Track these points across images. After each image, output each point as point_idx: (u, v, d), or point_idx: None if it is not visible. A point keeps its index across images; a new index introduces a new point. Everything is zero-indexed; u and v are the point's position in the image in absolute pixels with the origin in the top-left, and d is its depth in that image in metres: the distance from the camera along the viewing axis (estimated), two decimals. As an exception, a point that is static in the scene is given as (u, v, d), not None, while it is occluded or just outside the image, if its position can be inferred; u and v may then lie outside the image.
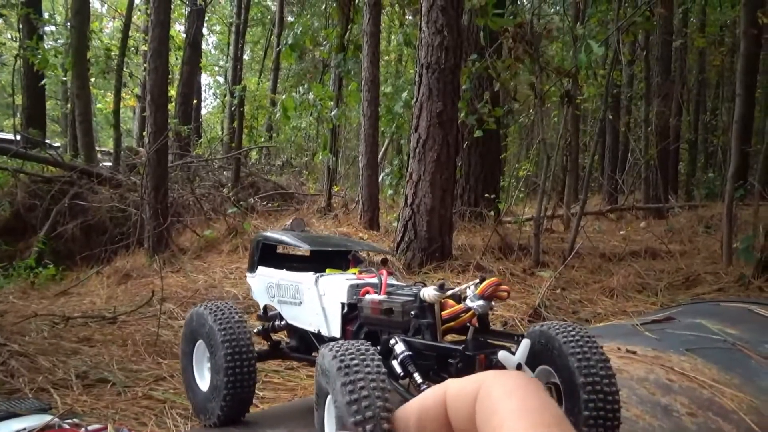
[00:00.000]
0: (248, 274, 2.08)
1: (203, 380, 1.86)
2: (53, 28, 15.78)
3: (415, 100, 5.36)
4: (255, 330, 1.98)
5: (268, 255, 2.05)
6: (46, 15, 14.77)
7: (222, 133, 15.93)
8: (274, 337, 2.03)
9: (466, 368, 1.28)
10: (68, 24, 12.92)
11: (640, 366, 1.37)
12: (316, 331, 1.75)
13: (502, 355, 1.18)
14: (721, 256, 5.50)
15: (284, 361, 2.33)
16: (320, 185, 11.76)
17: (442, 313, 1.37)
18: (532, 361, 1.20)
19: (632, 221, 9.61)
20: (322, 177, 11.80)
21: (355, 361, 1.11)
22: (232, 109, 13.74)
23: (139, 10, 16.12)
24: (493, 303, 1.37)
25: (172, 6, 7.57)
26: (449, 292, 1.39)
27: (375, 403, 1.05)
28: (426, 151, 5.20)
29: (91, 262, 6.32)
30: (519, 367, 1.15)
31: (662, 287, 4.59)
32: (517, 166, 12.66)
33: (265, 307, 2.05)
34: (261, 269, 2.02)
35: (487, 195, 7.82)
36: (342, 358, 1.12)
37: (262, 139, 15.44)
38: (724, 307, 2.08)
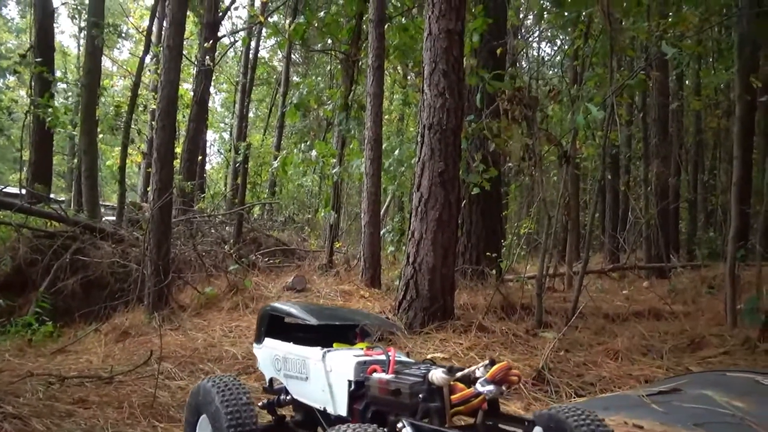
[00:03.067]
0: (255, 345, 2.05)
1: None
2: (65, 85, 16.20)
3: (417, 159, 5.44)
4: (260, 404, 1.93)
5: (276, 325, 2.03)
6: (58, 73, 15.19)
7: (225, 189, 16.08)
8: (279, 411, 1.98)
9: None
10: (79, 83, 13.26)
11: (647, 442, 1.34)
12: (322, 409, 1.69)
13: None
14: (726, 318, 5.45)
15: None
16: (322, 241, 11.78)
17: (452, 397, 1.34)
18: None
19: (635, 280, 9.56)
20: (324, 233, 11.84)
21: None
22: (237, 165, 13.92)
23: (149, 70, 16.58)
24: (503, 388, 1.35)
25: (181, 66, 7.80)
26: (458, 375, 1.36)
27: None
28: (428, 210, 5.23)
29: (89, 318, 6.26)
30: None
31: (667, 350, 4.53)
32: (518, 224, 12.71)
33: (271, 380, 2.01)
34: (268, 341, 1.98)
35: (488, 253, 7.82)
36: None
37: (265, 195, 15.57)
38: (731, 377, 2.05)
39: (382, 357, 1.62)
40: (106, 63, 24.03)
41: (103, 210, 11.98)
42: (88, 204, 10.42)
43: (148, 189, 12.11)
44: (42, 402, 3.04)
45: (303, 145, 9.99)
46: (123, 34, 17.14)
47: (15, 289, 7.00)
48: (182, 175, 11.97)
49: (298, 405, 1.88)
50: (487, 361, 1.39)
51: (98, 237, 7.63)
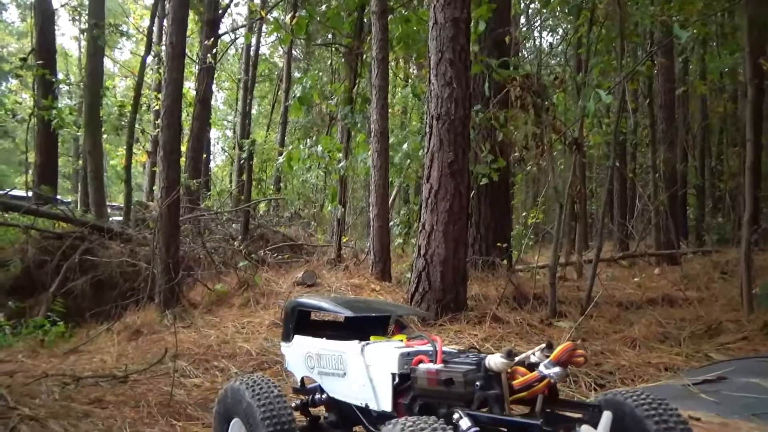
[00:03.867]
0: (283, 344, 1.96)
1: None
2: (67, 87, 16.19)
3: (426, 150, 5.39)
4: (293, 404, 1.85)
5: (302, 322, 1.94)
6: (60, 75, 15.17)
7: (231, 186, 16.06)
8: (313, 411, 1.89)
9: None
10: (82, 84, 13.25)
11: (709, 435, 1.28)
12: (364, 405, 1.60)
13: (584, 430, 1.08)
14: (741, 303, 5.39)
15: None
16: (329, 236, 11.75)
17: (515, 382, 1.26)
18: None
19: (645, 268, 9.50)
20: (331, 228, 11.81)
21: None
22: (241, 162, 13.90)
23: (151, 70, 16.54)
24: (567, 370, 1.27)
25: (184, 65, 7.74)
26: (517, 359, 1.29)
27: None
28: (438, 201, 5.19)
29: (100, 318, 6.24)
30: None
31: (685, 337, 4.48)
32: (525, 214, 12.65)
33: (302, 380, 1.92)
34: (297, 338, 1.89)
35: (498, 244, 7.77)
36: None
37: (271, 192, 15.54)
38: (772, 363, 1.99)
39: (425, 347, 1.54)
40: (108, 64, 24.02)
41: (109, 210, 11.98)
42: (94, 204, 10.41)
43: (154, 188, 12.10)
44: (58, 403, 3.02)
45: (308, 140, 9.94)
46: (124, 34, 17.05)
47: (25, 290, 7.00)
48: (187, 173, 11.95)
49: (331, 404, 1.80)
50: (543, 345, 1.32)
51: (106, 237, 7.61)
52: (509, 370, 1.29)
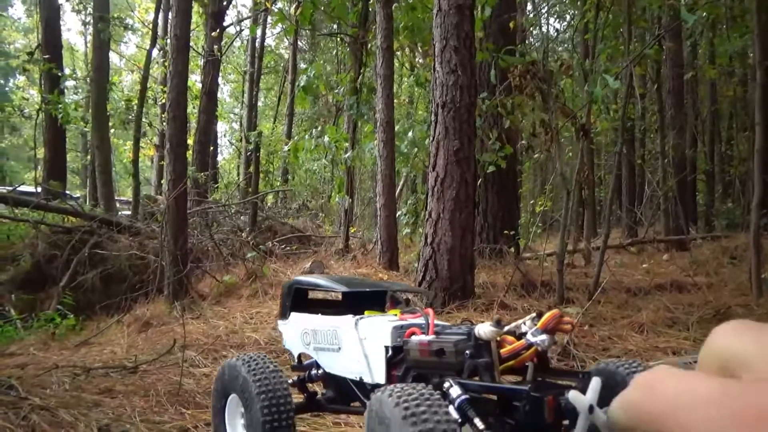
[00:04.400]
0: (280, 322, 1.99)
1: None
2: (74, 82, 16.26)
3: (432, 139, 5.38)
4: (290, 381, 1.88)
5: (299, 301, 1.97)
6: (67, 70, 15.21)
7: (238, 178, 16.10)
8: (310, 387, 1.92)
9: (533, 411, 1.17)
10: (88, 79, 13.30)
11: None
12: (358, 379, 1.63)
13: (572, 395, 1.08)
14: (750, 288, 5.35)
15: (318, 411, 2.24)
16: (336, 227, 11.77)
17: (502, 351, 1.27)
18: (600, 401, 1.10)
19: (654, 254, 9.46)
20: (338, 219, 11.83)
21: (422, 408, 1.02)
22: (248, 154, 13.92)
23: (157, 63, 16.56)
24: (556, 337, 1.27)
25: (189, 57, 7.76)
26: (506, 328, 1.29)
27: None
28: (444, 190, 5.17)
29: (110, 311, 6.31)
30: (591, 409, 1.05)
31: (693, 322, 4.46)
32: (533, 202, 12.61)
33: (299, 357, 1.95)
34: (294, 315, 1.92)
35: (506, 232, 7.76)
36: (407, 405, 1.03)
37: (278, 183, 15.57)
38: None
39: (419, 320, 1.56)
40: (114, 58, 24.09)
41: (118, 205, 12.06)
42: (103, 199, 10.49)
43: (162, 181, 12.16)
44: (68, 393, 3.05)
45: (315, 131, 9.94)
46: (129, 28, 17.08)
47: (35, 285, 7.08)
48: (195, 166, 12.00)
49: (328, 381, 1.83)
50: (534, 314, 1.32)
51: (115, 230, 7.67)
52: (498, 339, 1.29)
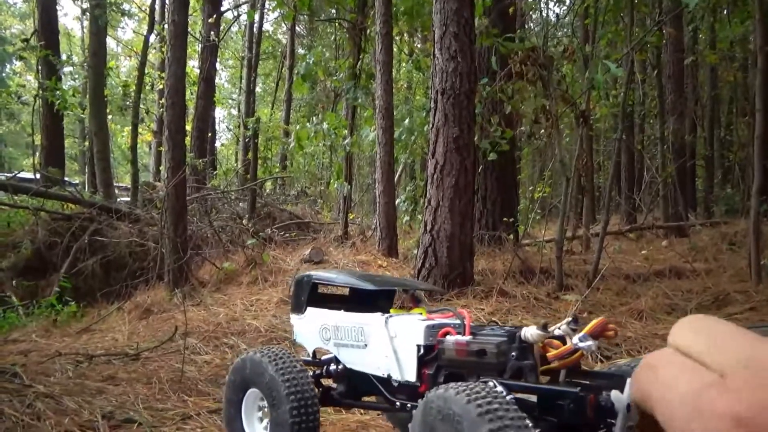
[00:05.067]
0: (293, 316, 1.99)
1: (254, 430, 1.76)
2: (71, 68, 16.16)
3: (431, 126, 5.36)
4: None
5: (311, 294, 1.97)
6: (63, 56, 15.11)
7: (237, 165, 16.07)
8: (325, 383, 1.94)
9: (576, 410, 1.21)
10: (86, 65, 13.21)
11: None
12: (386, 376, 1.65)
13: (614, 395, 1.13)
14: (749, 274, 5.38)
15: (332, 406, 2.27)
16: (335, 214, 11.77)
17: (549, 354, 1.32)
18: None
19: (653, 240, 9.48)
20: (337, 205, 11.82)
21: (494, 406, 1.06)
22: (246, 140, 13.88)
23: (154, 48, 16.46)
24: (599, 343, 1.32)
25: (187, 43, 7.70)
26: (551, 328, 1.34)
27: None
28: (444, 177, 5.17)
29: (111, 298, 6.33)
30: (629, 408, 1.10)
31: (692, 308, 4.49)
32: (532, 189, 12.60)
33: (314, 352, 1.96)
34: (311, 311, 1.92)
35: (505, 219, 7.76)
36: (480, 402, 1.06)
37: (277, 170, 15.54)
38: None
39: (449, 320, 1.60)
40: (111, 44, 23.93)
41: (116, 191, 12.04)
42: (102, 185, 10.47)
43: (161, 168, 12.13)
44: (72, 380, 3.08)
45: (314, 118, 9.90)
46: (126, 13, 16.95)
47: (36, 272, 7.09)
48: (193, 152, 11.96)
49: (342, 376, 1.85)
50: (570, 318, 1.36)
51: (115, 217, 7.67)
52: (542, 343, 1.35)
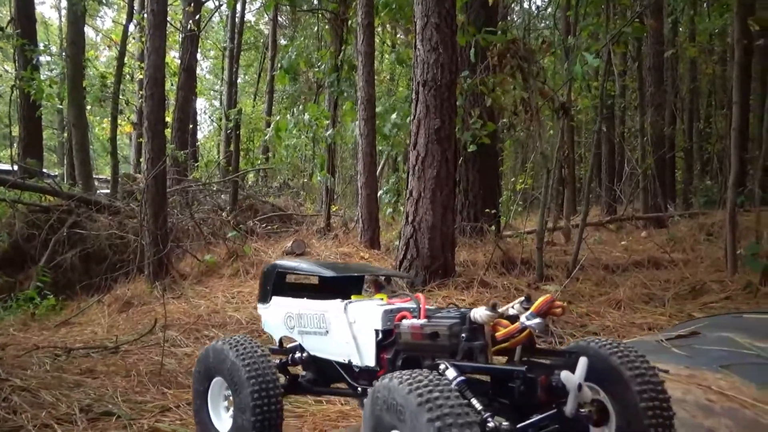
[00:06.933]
0: (260, 305, 2.00)
1: (221, 420, 1.77)
2: (48, 58, 15.87)
3: (412, 117, 5.36)
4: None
5: (278, 284, 1.98)
6: (41, 46, 14.84)
7: (219, 157, 15.94)
8: (292, 370, 1.95)
9: (527, 391, 1.22)
10: (63, 54, 12.99)
11: (675, 386, 1.32)
12: (346, 361, 1.66)
13: (564, 375, 1.14)
14: (726, 264, 5.47)
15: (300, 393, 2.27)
16: (318, 206, 11.74)
17: (497, 334, 1.32)
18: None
19: (632, 231, 9.59)
20: (320, 197, 11.79)
21: (435, 394, 1.06)
22: (228, 132, 13.77)
23: (134, 38, 16.22)
24: (547, 321, 1.33)
25: (166, 33, 7.61)
26: (500, 311, 1.34)
27: None
28: (425, 168, 5.18)
29: (91, 291, 6.26)
30: (580, 387, 1.12)
31: (669, 298, 4.56)
32: (514, 180, 12.67)
33: (281, 340, 1.97)
34: (276, 299, 1.93)
35: (487, 210, 7.80)
36: (420, 391, 1.06)
37: (259, 162, 15.45)
38: (748, 319, 2.04)
39: (407, 304, 1.60)
40: (90, 34, 23.54)
41: (96, 183, 11.88)
42: (81, 177, 10.33)
43: (141, 160, 11.99)
44: (49, 374, 3.05)
45: (295, 109, 9.85)
46: (102, 2, 16.66)
47: (14, 265, 6.99)
48: (174, 144, 11.84)
49: (308, 363, 1.86)
50: (522, 298, 1.37)
51: (94, 210, 7.57)
52: (492, 323, 1.35)
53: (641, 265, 6.15)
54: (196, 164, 13.88)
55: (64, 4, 16.43)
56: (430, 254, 5.15)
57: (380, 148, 9.29)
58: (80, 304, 5.70)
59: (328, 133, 8.57)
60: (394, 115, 7.99)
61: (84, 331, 4.49)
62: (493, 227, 7.58)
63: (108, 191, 9.80)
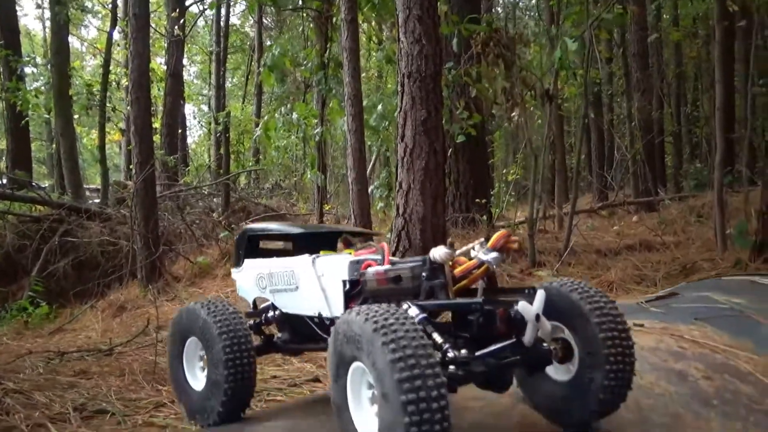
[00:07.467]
0: (234, 270, 2.03)
1: (197, 379, 1.79)
2: (34, 69, 15.79)
3: (399, 109, 5.36)
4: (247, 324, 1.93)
5: (251, 250, 2.01)
6: (25, 57, 14.77)
7: (209, 160, 15.91)
8: (267, 331, 1.98)
9: (486, 324, 1.26)
10: (49, 64, 12.94)
11: (649, 337, 1.35)
12: (316, 314, 1.70)
13: (521, 305, 1.18)
14: (716, 243, 5.51)
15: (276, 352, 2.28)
16: (311, 205, 11.73)
17: (456, 271, 1.36)
18: (547, 315, 1.20)
19: (624, 216, 9.64)
20: (312, 197, 11.78)
21: (390, 321, 1.09)
22: (218, 135, 13.74)
23: (119, 45, 16.17)
24: (504, 255, 1.37)
25: (150, 38, 7.60)
26: (459, 252, 1.38)
27: (421, 362, 1.02)
28: (414, 160, 5.18)
29: (84, 297, 6.25)
30: (538, 318, 1.15)
31: (660, 277, 4.59)
32: (505, 171, 12.70)
33: (254, 303, 2.00)
34: (248, 262, 1.96)
35: (478, 200, 7.82)
36: (376, 319, 1.09)
37: (250, 164, 15.43)
38: (727, 280, 2.07)
39: (372, 255, 1.64)
40: (75, 43, 23.44)
41: (87, 193, 11.84)
42: (71, 186, 10.28)
43: (131, 166, 11.95)
44: (43, 376, 3.05)
45: (283, 108, 9.84)
46: (85, 10, 16.59)
47: (6, 276, 6.97)
48: (164, 149, 11.81)
49: (283, 324, 1.89)
50: (482, 239, 1.41)
51: (85, 217, 7.56)
52: (451, 261, 1.39)
53: (633, 249, 6.18)
54: (186, 169, 13.85)
55: (47, 15, 16.37)
56: (422, 245, 5.14)
57: (369, 143, 9.30)
58: (74, 311, 5.68)
59: (317, 131, 8.56)
60: (380, 107, 7.99)
61: (78, 337, 4.49)
62: (485, 217, 7.60)
63: (98, 200, 9.76)
